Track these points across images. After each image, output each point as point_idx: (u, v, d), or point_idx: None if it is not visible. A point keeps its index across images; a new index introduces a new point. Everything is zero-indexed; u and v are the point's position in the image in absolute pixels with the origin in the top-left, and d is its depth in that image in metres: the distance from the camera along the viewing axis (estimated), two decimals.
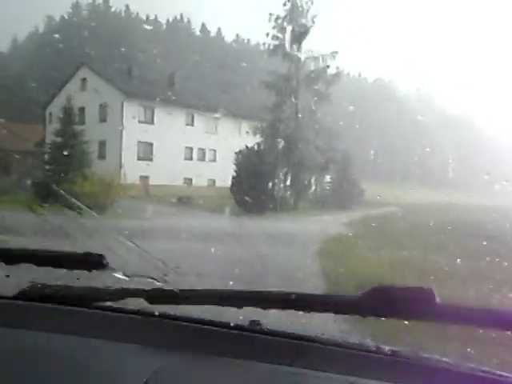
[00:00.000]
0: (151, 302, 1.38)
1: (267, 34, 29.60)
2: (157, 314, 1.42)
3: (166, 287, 1.42)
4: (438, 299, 1.15)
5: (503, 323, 1.22)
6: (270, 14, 29.47)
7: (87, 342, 1.32)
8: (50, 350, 1.33)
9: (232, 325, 1.37)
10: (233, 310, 1.32)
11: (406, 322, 1.42)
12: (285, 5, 29.29)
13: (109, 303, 1.46)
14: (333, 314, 1.31)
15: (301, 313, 1.28)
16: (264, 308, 1.33)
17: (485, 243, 9.25)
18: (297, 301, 1.29)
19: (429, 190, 32.52)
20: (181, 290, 1.37)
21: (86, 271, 1.45)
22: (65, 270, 1.45)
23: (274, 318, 1.46)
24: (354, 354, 1.29)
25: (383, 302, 1.19)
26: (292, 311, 1.29)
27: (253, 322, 1.38)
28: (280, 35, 29.55)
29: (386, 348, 1.30)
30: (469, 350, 3.17)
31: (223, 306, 1.34)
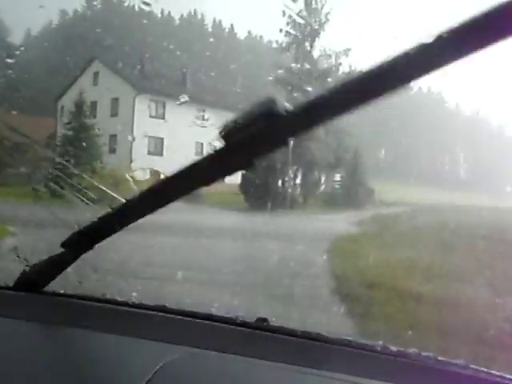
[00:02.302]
0: None
1: (280, 30, 29.49)
2: (163, 308, 1.42)
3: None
4: None
5: None
6: (284, 11, 29.32)
7: (93, 336, 1.32)
8: (55, 342, 1.33)
9: (239, 321, 1.37)
10: (240, 306, 1.32)
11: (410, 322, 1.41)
12: (296, 1, 29.08)
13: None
14: (340, 312, 1.31)
15: (308, 311, 1.28)
16: None
17: (495, 245, 9.19)
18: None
19: (440, 190, 32.34)
20: None
21: None
22: None
23: (282, 316, 1.46)
24: (360, 354, 1.28)
25: None
26: (301, 310, 1.29)
27: (260, 319, 1.38)
28: (293, 32, 29.42)
29: (393, 348, 1.29)
30: (473, 351, 3.16)
31: None
